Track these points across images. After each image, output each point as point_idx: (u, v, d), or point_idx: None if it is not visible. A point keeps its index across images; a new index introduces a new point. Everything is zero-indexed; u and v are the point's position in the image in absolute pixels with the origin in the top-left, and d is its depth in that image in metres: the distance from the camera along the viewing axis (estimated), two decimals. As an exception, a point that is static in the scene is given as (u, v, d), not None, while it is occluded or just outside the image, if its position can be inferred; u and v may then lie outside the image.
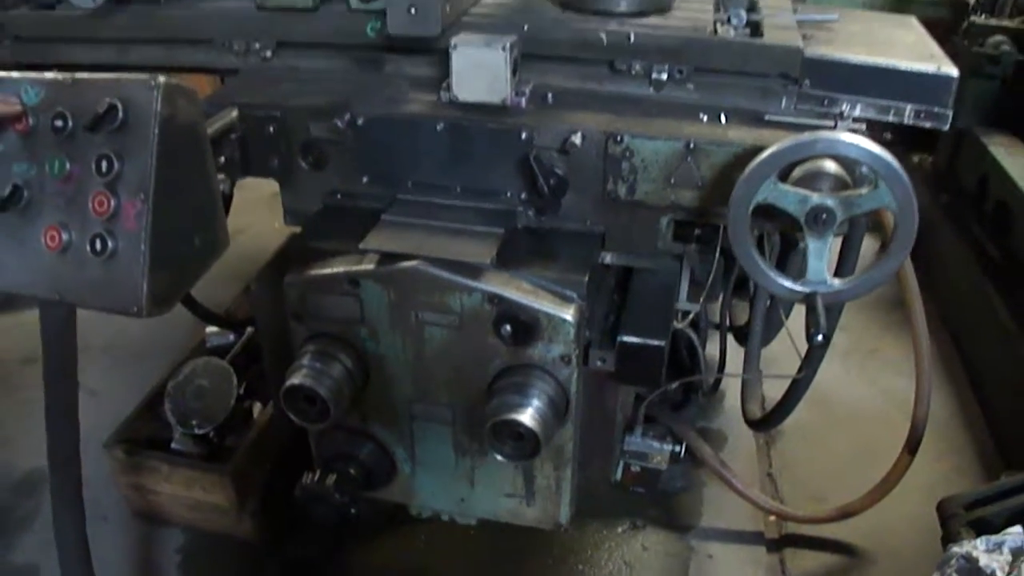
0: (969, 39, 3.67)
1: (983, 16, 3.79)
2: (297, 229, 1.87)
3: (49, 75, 1.42)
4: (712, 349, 2.53)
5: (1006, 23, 3.72)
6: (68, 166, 1.36)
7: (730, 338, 2.51)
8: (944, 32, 4.06)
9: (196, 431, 2.40)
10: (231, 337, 2.73)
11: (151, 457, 2.38)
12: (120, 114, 1.32)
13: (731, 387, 2.83)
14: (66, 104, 1.37)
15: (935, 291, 3.52)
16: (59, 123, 1.37)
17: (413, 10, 1.68)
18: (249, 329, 2.69)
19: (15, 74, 1.45)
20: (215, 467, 2.33)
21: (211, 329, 2.74)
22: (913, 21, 2.03)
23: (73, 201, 1.36)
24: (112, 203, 1.33)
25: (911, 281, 1.97)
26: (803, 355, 2.02)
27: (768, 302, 2.29)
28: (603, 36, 1.71)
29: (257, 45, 1.99)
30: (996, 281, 3.16)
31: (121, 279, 1.33)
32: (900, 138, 4.47)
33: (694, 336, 2.21)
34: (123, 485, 2.45)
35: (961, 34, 3.76)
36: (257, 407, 2.54)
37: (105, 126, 1.33)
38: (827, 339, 1.61)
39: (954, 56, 4.15)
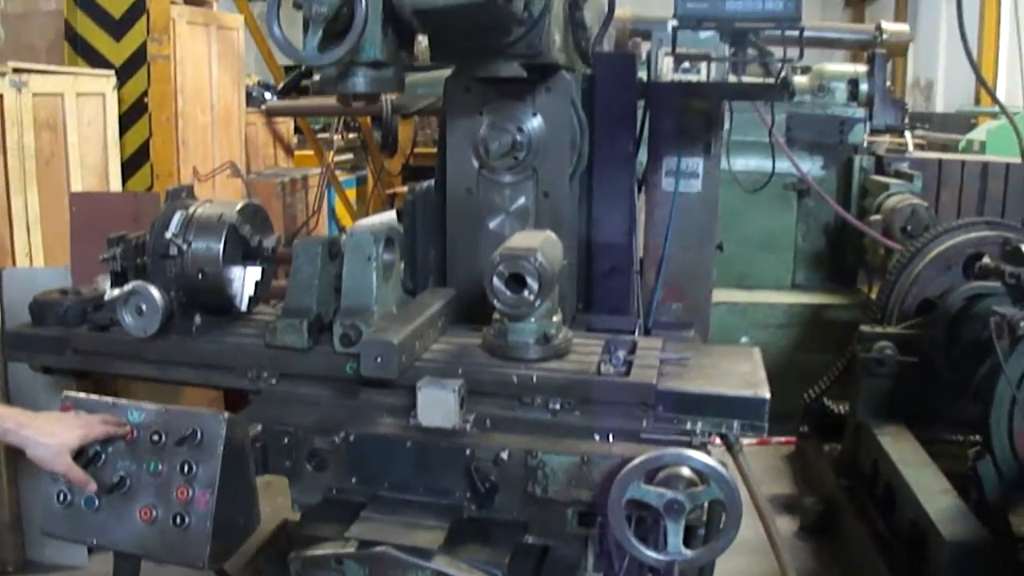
0: (861, 345, 4.54)
1: (871, 325, 4.69)
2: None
3: (150, 404, 2.26)
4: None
5: (890, 330, 4.61)
6: (161, 466, 2.17)
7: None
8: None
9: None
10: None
11: None
12: (199, 436, 2.14)
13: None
14: (161, 426, 2.21)
15: (841, 563, 4.28)
16: (156, 437, 2.20)
17: (379, 359, 2.47)
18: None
19: (124, 400, 2.29)
20: None
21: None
22: (754, 353, 2.77)
23: (162, 490, 2.16)
24: (190, 493, 2.13)
25: (778, 542, 2.73)
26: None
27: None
28: (514, 378, 2.52)
29: (265, 374, 2.77)
30: (884, 553, 3.90)
31: (192, 544, 2.14)
32: (814, 430, 5.35)
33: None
34: None
35: (855, 341, 4.64)
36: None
37: (188, 442, 2.15)
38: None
39: (853, 358, 5.06)
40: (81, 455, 2.23)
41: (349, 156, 10.14)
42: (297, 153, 9.38)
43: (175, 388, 3.65)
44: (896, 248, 5.16)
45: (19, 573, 4.27)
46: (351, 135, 9.83)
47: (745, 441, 5.64)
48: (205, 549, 2.12)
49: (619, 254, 3.41)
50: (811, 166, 6.32)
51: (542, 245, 2.55)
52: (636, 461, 2.23)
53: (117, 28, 5.84)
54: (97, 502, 2.23)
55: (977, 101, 14.25)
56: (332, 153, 9.05)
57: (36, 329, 3.05)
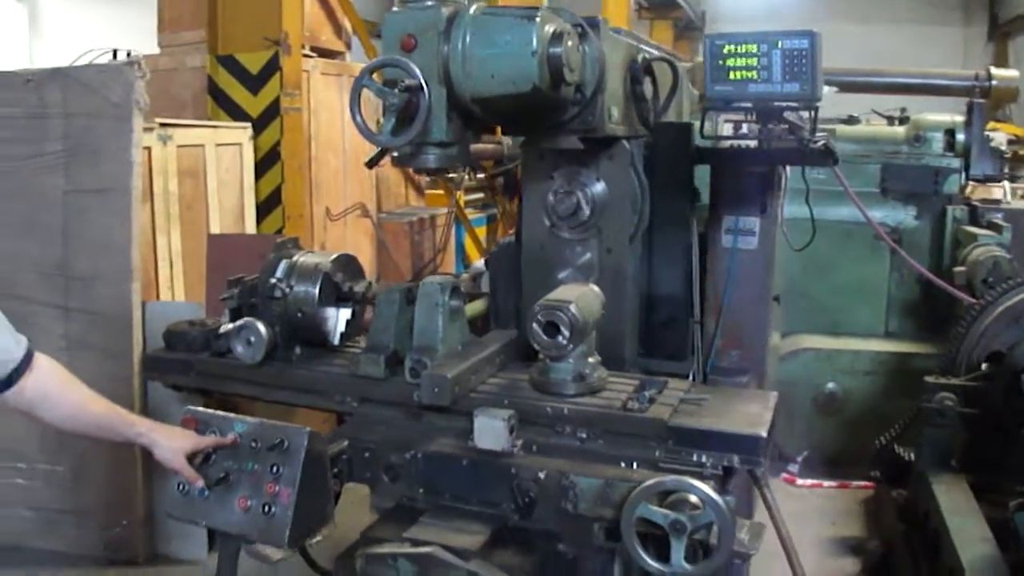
0: (925, 395, 4.71)
1: (936, 376, 4.83)
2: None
3: (251, 418, 2.85)
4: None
5: (954, 381, 4.75)
6: (256, 467, 2.79)
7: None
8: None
9: None
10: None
11: None
12: (286, 444, 2.74)
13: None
14: (258, 435, 2.82)
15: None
16: (253, 444, 2.81)
17: (436, 389, 3.04)
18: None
19: (232, 415, 2.92)
20: None
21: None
22: (770, 397, 3.14)
23: (256, 485, 2.78)
24: (277, 488, 2.72)
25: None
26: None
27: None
28: (548, 410, 3.02)
29: (348, 398, 3.38)
30: (928, 598, 4.18)
31: (277, 528, 2.74)
32: (885, 476, 5.56)
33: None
34: None
35: (920, 390, 4.85)
36: None
37: (277, 449, 2.75)
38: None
39: (920, 407, 5.22)
40: (196, 456, 2.85)
41: (480, 195, 10.64)
42: (428, 192, 9.91)
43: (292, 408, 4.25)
44: (972, 301, 5.36)
45: (147, 564, 4.97)
46: (480, 176, 10.29)
47: (826, 484, 5.97)
48: (285, 533, 2.72)
49: (677, 306, 3.88)
50: (904, 216, 6.49)
51: (578, 298, 3.04)
52: (644, 484, 2.70)
53: (254, 83, 6.62)
54: (207, 493, 2.85)
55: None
56: (460, 193, 9.53)
57: (168, 354, 3.81)
